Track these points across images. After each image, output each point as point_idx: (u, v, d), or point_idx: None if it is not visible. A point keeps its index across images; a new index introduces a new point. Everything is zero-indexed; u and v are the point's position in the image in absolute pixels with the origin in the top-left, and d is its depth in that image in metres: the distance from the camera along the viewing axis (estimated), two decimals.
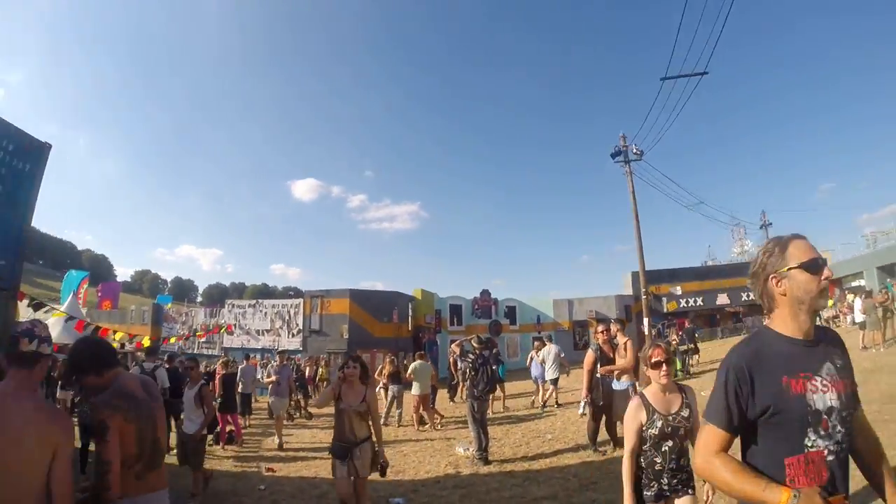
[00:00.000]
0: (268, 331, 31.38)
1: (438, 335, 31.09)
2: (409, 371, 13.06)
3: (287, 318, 30.91)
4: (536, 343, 15.59)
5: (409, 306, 30.97)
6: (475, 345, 9.08)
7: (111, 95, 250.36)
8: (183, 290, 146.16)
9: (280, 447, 10.72)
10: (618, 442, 7.78)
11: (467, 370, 8.88)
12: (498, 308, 33.39)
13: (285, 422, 12.74)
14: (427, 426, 12.40)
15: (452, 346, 13.76)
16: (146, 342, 22.26)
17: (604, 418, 7.97)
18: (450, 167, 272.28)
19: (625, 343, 7.57)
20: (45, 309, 15.29)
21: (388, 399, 13.63)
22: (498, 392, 13.52)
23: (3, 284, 9.67)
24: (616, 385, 7.46)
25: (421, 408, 12.49)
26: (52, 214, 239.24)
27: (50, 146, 10.83)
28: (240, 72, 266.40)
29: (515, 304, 33.95)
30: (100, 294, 50.44)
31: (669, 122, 47.78)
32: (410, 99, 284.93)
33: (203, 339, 32.60)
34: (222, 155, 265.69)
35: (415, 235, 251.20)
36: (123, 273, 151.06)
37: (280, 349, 29.58)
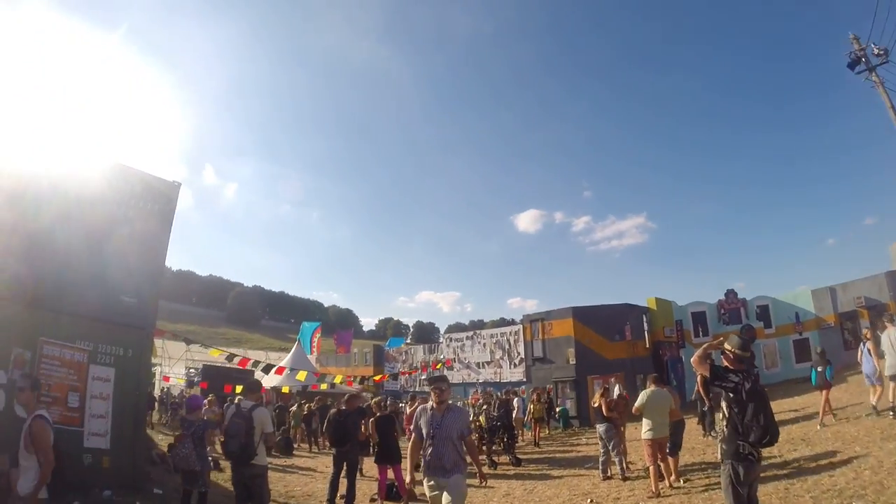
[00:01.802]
0: (488, 362, 28.99)
1: (682, 350, 25.75)
2: (637, 403, 8.74)
3: (507, 347, 28.20)
4: (866, 330, 11.58)
5: (644, 319, 26.09)
6: (737, 350, 4.53)
7: (332, 170, 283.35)
8: (425, 333, 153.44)
9: None
10: None
11: (728, 402, 4.43)
12: (748, 309, 26.82)
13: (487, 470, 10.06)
14: (669, 482, 8.36)
15: (696, 355, 9.05)
16: (378, 378, 21.35)
17: None
18: (670, 169, 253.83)
19: None
20: (263, 366, 14.76)
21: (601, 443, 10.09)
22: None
23: (138, 323, 8.24)
24: None
25: (658, 456, 8.29)
26: (300, 279, 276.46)
27: (179, 184, 10.20)
28: (443, 120, 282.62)
29: (768, 301, 26.98)
30: (336, 341, 54.89)
31: None
32: (602, 111, 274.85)
33: (423, 377, 31.44)
34: (444, 202, 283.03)
35: (643, 249, 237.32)
36: (368, 323, 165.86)
37: (503, 380, 27.13)
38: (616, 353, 24.18)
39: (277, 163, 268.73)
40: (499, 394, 18.62)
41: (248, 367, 14.46)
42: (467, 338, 31.28)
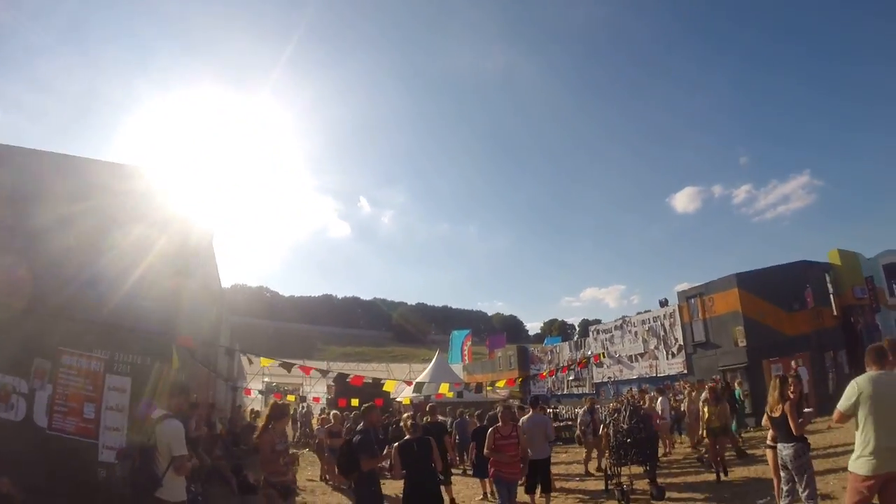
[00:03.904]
0: (642, 354, 25.25)
1: (877, 315, 20.13)
2: (846, 401, 4.39)
3: (662, 333, 24.29)
4: None
5: (827, 279, 20.80)
6: None
7: (483, 182, 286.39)
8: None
9: None
10: None
11: None
12: None
13: None
14: None
15: None
16: (500, 384, 19.19)
17: None
18: (831, 116, 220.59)
19: None
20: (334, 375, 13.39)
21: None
22: None
23: (157, 328, 8.42)
24: None
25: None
26: (463, 292, 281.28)
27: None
28: (580, 115, 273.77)
29: None
30: (488, 347, 53.40)
31: None
32: (745, 66, 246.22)
33: (571, 377, 28.49)
34: (596, 196, 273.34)
35: (812, 211, 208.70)
36: (533, 327, 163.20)
37: (659, 375, 23.31)
38: (796, 327, 19.25)
39: (428, 184, 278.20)
40: (627, 393, 14.96)
41: (311, 374, 13.38)
42: (616, 327, 27.66)
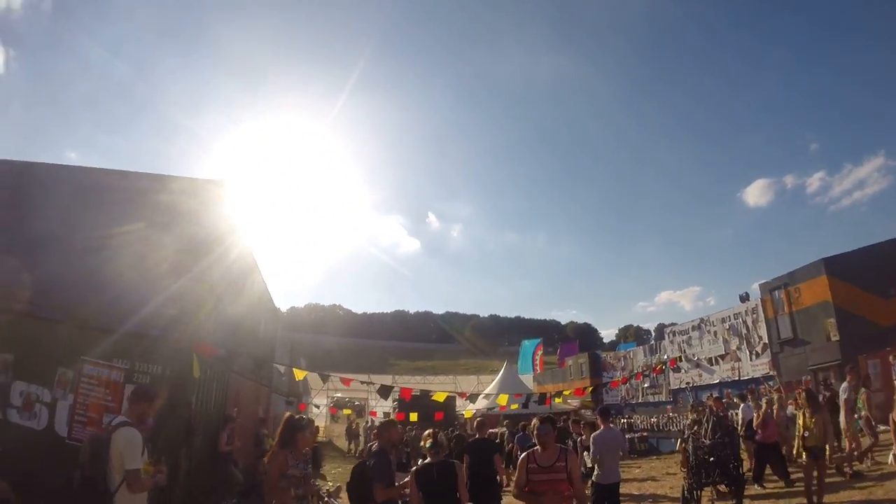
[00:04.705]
0: (723, 356, 23.20)
1: None
2: None
3: (744, 331, 22.20)
4: None
5: None
6: None
7: (549, 190, 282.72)
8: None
9: None
10: None
11: None
12: None
13: None
14: None
15: None
16: (567, 393, 17.96)
17: None
18: None
19: None
20: (378, 388, 12.90)
21: None
22: None
23: (177, 336, 8.14)
24: None
25: None
26: (535, 301, 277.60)
27: (222, 181, 10.39)
28: (643, 110, 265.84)
29: None
30: (559, 355, 51.57)
31: None
32: (808, 41, 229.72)
33: (646, 385, 26.63)
34: (666, 195, 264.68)
35: (891, 193, 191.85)
36: (608, 334, 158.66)
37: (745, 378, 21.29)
38: (894, 316, 16.85)
39: (494, 196, 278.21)
40: (709, 399, 13.09)
41: (350, 385, 12.63)
42: (693, 328, 25.54)
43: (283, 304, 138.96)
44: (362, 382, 12.37)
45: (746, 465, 11.94)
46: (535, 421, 4.65)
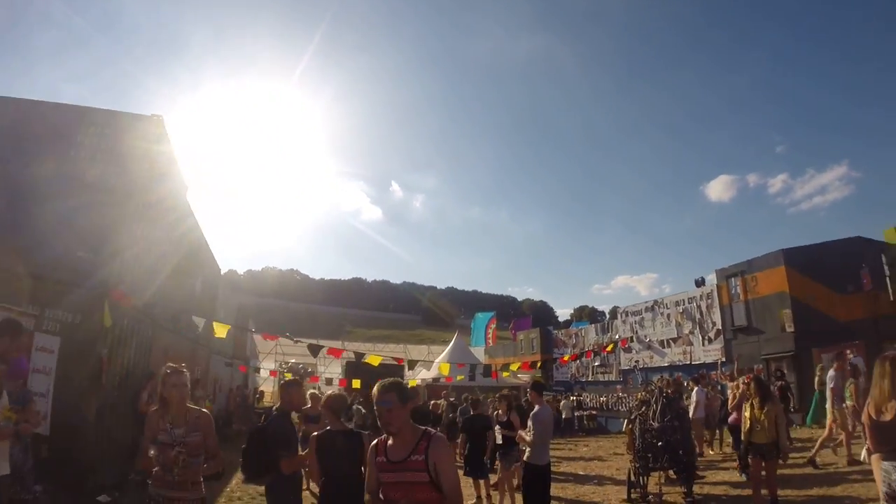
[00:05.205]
0: (675, 339, 23.17)
1: None
2: None
3: (698, 316, 22.14)
4: None
5: (883, 260, 18.15)
6: None
7: (516, 168, 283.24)
8: None
9: None
10: None
11: None
12: None
13: None
14: None
15: None
16: (514, 367, 17.43)
17: None
18: (872, 104, 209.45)
19: None
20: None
21: None
22: None
23: (90, 283, 7.53)
24: None
25: None
26: (493, 277, 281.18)
27: (159, 117, 9.61)
28: (616, 98, 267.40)
29: None
30: (513, 330, 51.59)
31: None
32: (785, 46, 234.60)
33: (597, 363, 26.57)
34: (630, 182, 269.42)
35: (849, 203, 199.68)
36: (563, 314, 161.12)
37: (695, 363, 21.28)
38: (850, 312, 16.90)
39: (460, 168, 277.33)
40: (658, 381, 12.75)
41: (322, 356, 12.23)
42: (646, 309, 25.50)
43: (239, 266, 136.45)
44: (295, 341, 11.51)
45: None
46: (375, 387, 2.84)
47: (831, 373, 9.37)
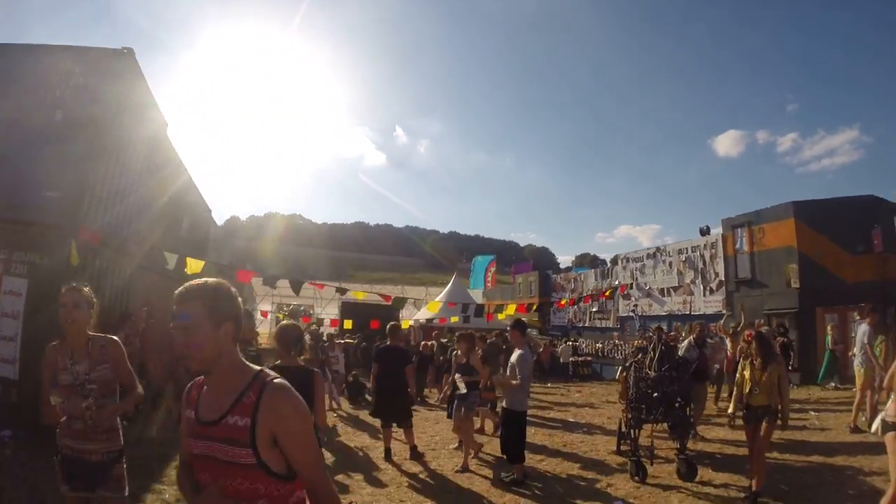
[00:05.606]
0: (675, 288, 22.86)
1: None
2: None
3: (700, 265, 21.75)
4: None
5: (895, 221, 17.36)
6: None
7: (524, 114, 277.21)
8: None
9: None
10: None
11: None
12: None
13: None
14: None
15: None
16: (510, 309, 17.11)
17: None
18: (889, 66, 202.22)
19: None
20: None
21: None
22: None
23: (57, 222, 7.32)
24: None
25: None
26: (497, 222, 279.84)
27: (128, 50, 9.02)
28: (630, 46, 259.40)
29: None
30: (513, 273, 51.52)
31: None
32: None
33: (594, 309, 26.40)
34: (639, 131, 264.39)
35: (858, 168, 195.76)
36: (565, 260, 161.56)
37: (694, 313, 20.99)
38: (859, 273, 16.23)
39: (466, 115, 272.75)
40: (651, 331, 12.40)
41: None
42: (648, 256, 25.02)
43: (241, 212, 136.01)
44: (274, 282, 11.10)
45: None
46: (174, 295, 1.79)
47: (864, 327, 8.67)
